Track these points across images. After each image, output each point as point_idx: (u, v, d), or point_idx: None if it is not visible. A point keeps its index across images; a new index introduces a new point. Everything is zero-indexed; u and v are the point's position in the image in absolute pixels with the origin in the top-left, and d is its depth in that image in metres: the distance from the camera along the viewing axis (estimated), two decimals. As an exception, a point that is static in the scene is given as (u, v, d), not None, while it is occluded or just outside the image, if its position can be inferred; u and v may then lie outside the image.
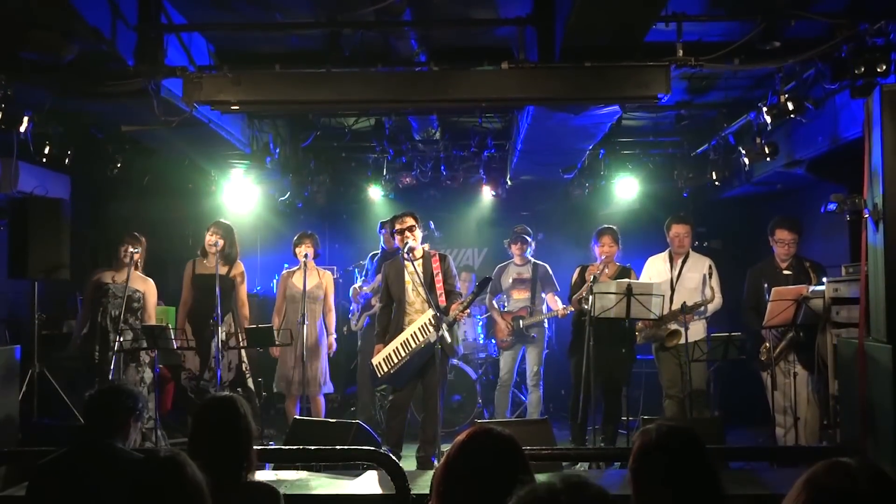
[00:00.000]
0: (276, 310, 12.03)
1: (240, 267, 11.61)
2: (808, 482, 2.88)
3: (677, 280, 11.00)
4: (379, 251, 13.22)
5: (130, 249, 10.81)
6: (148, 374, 10.91)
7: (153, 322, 11.11)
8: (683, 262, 11.07)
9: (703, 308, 10.61)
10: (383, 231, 12.96)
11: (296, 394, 11.41)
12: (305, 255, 11.49)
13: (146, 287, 11.19)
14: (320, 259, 12.21)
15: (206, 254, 11.37)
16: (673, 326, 10.64)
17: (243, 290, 11.65)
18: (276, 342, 11.02)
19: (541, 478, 3.36)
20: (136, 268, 10.99)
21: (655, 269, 11.24)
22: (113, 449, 5.30)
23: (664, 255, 11.29)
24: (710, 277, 10.65)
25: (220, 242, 11.24)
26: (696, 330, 10.67)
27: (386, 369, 10.13)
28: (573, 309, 11.47)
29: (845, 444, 8.68)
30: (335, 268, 13.07)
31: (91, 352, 10.77)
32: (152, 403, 10.72)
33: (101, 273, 11.12)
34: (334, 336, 11.94)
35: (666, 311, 10.62)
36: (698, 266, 10.88)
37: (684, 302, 10.43)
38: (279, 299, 12.02)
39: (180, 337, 10.85)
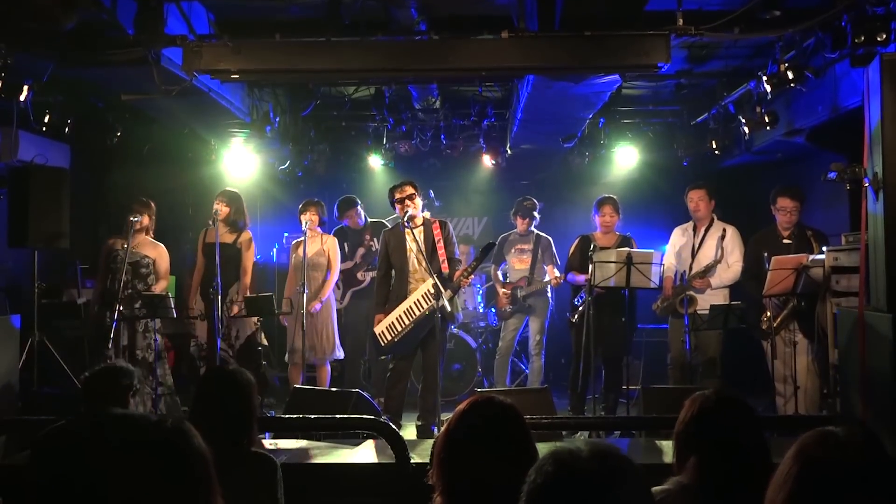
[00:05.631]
0: (288, 280, 12.08)
1: (246, 235, 11.65)
2: (799, 453, 2.90)
3: (698, 248, 11.06)
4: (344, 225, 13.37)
5: (131, 218, 10.83)
6: (157, 341, 10.98)
7: (165, 286, 11.20)
8: (707, 231, 11.13)
9: (712, 270, 10.68)
10: (344, 218, 13.21)
11: (298, 362, 11.40)
12: (307, 224, 11.47)
13: (156, 252, 11.23)
14: (323, 228, 12.20)
15: (215, 222, 11.40)
16: (689, 294, 10.68)
17: (247, 259, 11.67)
18: (277, 311, 11.09)
19: (542, 447, 3.38)
20: (147, 233, 11.08)
21: (678, 239, 11.34)
22: (116, 414, 5.31)
23: (688, 225, 11.40)
24: (724, 239, 10.71)
25: (225, 210, 11.30)
26: (717, 300, 10.67)
27: (389, 338, 10.14)
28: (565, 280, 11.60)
29: (844, 414, 8.70)
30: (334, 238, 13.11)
31: (103, 317, 10.80)
32: (161, 370, 10.79)
33: (113, 240, 11.20)
34: (323, 300, 11.92)
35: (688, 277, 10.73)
36: (719, 233, 10.90)
37: (684, 272, 10.51)
38: (290, 270, 12.08)
39: (190, 305, 10.94)
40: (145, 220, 11.03)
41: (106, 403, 5.47)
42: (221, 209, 11.38)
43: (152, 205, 11.23)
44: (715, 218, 11.28)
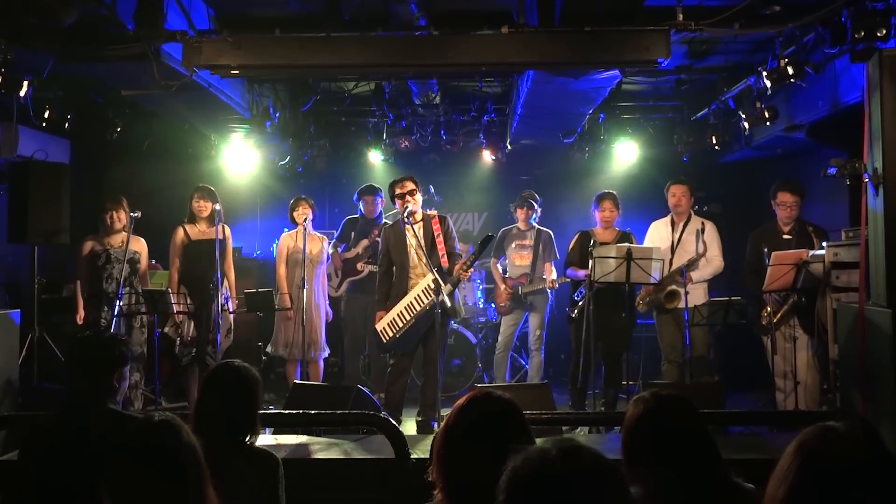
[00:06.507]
0: (279, 274, 11.95)
1: (227, 230, 11.62)
2: (800, 448, 2.91)
3: (678, 243, 11.03)
4: (358, 215, 13.32)
5: (115, 214, 10.90)
6: (144, 337, 11.00)
7: (147, 280, 11.29)
8: (685, 226, 11.10)
9: (696, 264, 10.67)
10: (360, 200, 13.11)
11: (296, 358, 11.40)
12: (305, 219, 11.43)
13: (140, 246, 11.27)
14: (319, 223, 12.18)
15: (193, 219, 11.36)
16: (671, 288, 10.67)
17: (230, 254, 11.70)
18: (276, 307, 11.09)
19: (541, 442, 3.38)
20: (125, 228, 11.02)
21: (658, 234, 11.28)
22: (105, 409, 5.30)
23: (666, 220, 11.33)
24: (703, 233, 10.70)
25: (215, 206, 11.23)
26: (697, 295, 10.72)
27: (391, 334, 10.12)
28: (567, 281, 11.61)
29: (844, 409, 8.71)
30: (335, 232, 13.09)
31: (97, 319, 10.78)
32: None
33: (93, 241, 11.12)
34: (327, 302, 12.01)
35: (665, 274, 10.67)
36: (697, 226, 10.89)
37: (682, 266, 10.51)
38: (280, 262, 11.96)
39: (180, 302, 10.90)
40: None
41: (89, 375, 5.41)
42: (207, 205, 11.32)
43: (123, 199, 11.21)
44: (692, 213, 11.30)
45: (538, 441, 3.42)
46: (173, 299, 10.53)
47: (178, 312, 10.95)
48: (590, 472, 2.51)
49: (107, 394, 5.38)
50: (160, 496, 3.55)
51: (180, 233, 11.47)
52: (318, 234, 11.99)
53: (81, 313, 11.05)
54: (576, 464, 2.51)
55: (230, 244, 11.72)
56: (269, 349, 11.94)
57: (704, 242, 10.71)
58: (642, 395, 4.03)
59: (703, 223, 10.95)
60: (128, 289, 10.80)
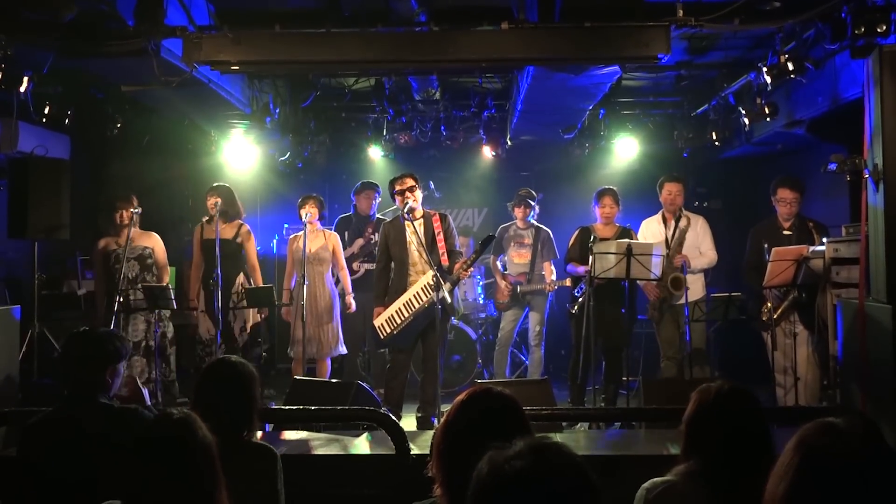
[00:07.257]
0: (287, 273, 12.00)
1: (245, 228, 11.67)
2: (800, 444, 2.91)
3: (672, 238, 11.04)
4: (350, 213, 13.30)
5: (124, 212, 10.95)
6: (171, 329, 11.07)
7: (167, 274, 11.40)
8: (677, 222, 11.12)
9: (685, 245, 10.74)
10: (359, 194, 13.09)
11: (299, 356, 11.39)
12: (307, 217, 11.40)
13: (152, 241, 11.33)
14: (322, 222, 12.17)
15: (211, 218, 11.39)
16: (674, 274, 10.68)
17: (251, 253, 11.79)
18: (276, 303, 11.09)
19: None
20: (135, 225, 11.00)
21: (650, 231, 11.31)
22: (98, 404, 5.28)
23: (658, 217, 11.38)
24: (690, 222, 10.91)
25: (218, 202, 11.23)
26: (696, 288, 10.75)
27: (389, 330, 10.12)
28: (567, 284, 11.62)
29: (844, 405, 8.71)
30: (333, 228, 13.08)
31: (115, 319, 10.79)
32: (174, 357, 10.98)
33: (105, 241, 11.24)
34: (352, 295, 11.97)
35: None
36: (688, 221, 10.95)
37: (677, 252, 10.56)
38: (288, 262, 11.98)
39: (193, 301, 10.94)
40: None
41: (84, 370, 5.38)
42: (217, 202, 11.32)
43: (133, 197, 11.23)
44: (682, 209, 11.35)
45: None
46: (172, 294, 10.56)
47: (192, 308, 11.01)
48: (557, 469, 2.51)
49: (100, 389, 5.35)
50: (173, 492, 3.55)
51: (197, 232, 11.60)
52: (325, 231, 11.96)
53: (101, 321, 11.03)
54: (541, 461, 2.52)
55: (246, 241, 11.77)
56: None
57: (687, 218, 10.82)
58: (708, 384, 4.12)
59: (689, 217, 11.13)
60: (140, 286, 10.83)
